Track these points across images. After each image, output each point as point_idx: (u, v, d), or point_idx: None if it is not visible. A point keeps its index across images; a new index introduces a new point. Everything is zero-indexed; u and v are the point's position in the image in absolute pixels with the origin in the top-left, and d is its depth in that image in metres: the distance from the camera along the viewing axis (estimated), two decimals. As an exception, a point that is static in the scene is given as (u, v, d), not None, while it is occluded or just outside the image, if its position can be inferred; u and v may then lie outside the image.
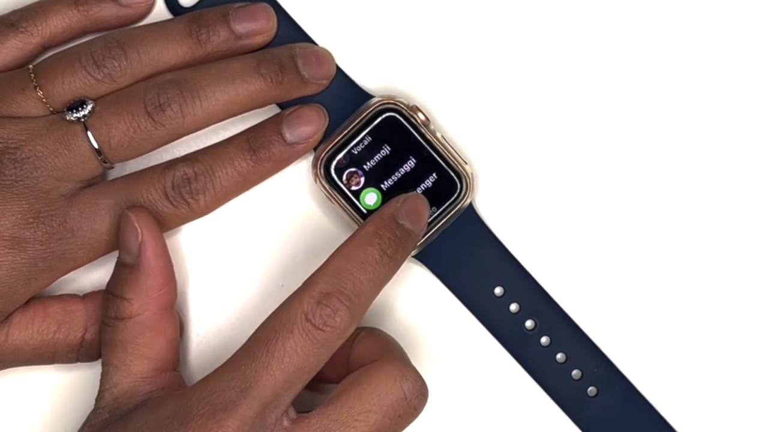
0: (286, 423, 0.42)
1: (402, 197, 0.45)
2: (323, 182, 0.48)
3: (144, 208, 0.45)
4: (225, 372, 0.42)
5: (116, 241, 0.46)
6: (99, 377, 0.44)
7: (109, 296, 0.45)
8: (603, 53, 0.49)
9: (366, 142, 0.48)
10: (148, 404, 0.43)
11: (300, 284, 0.43)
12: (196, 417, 0.41)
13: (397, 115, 0.48)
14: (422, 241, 0.48)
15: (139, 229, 0.44)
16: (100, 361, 0.46)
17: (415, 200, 0.46)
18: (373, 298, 0.43)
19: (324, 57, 0.48)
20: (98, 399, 0.44)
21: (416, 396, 0.43)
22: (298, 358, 0.41)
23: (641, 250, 0.49)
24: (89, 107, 0.45)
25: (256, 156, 0.47)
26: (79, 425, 0.44)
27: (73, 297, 0.47)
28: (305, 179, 0.49)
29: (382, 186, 0.48)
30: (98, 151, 0.45)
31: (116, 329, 0.44)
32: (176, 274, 0.48)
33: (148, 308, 0.44)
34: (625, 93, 0.49)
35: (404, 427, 0.43)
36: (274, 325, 0.42)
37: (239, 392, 0.41)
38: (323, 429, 0.41)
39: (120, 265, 0.45)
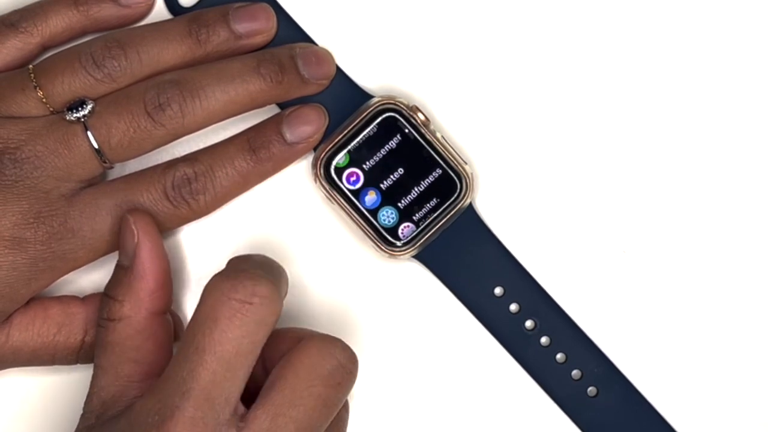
0: (237, 423, 0.41)
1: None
2: (323, 182, 0.48)
3: (144, 211, 0.45)
4: (165, 380, 0.41)
5: (117, 242, 0.45)
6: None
7: (104, 297, 0.45)
8: (603, 54, 0.49)
9: (366, 142, 0.48)
10: (114, 418, 0.42)
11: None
12: (147, 428, 0.40)
13: (397, 115, 0.48)
14: (422, 241, 0.48)
15: (135, 232, 0.44)
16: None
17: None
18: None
19: (324, 57, 0.48)
20: (86, 402, 0.44)
21: (349, 361, 0.42)
22: (230, 343, 0.40)
23: (641, 250, 0.49)
24: (89, 107, 0.45)
25: (256, 156, 0.47)
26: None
27: (74, 299, 0.47)
28: (305, 179, 0.49)
29: (382, 186, 0.48)
30: (98, 151, 0.45)
31: (107, 330, 0.44)
32: (176, 275, 0.48)
33: (138, 311, 0.44)
34: (624, 93, 0.49)
35: (346, 393, 0.42)
36: (197, 320, 0.41)
37: (181, 395, 0.40)
38: (274, 415, 0.41)
39: (118, 267, 0.45)
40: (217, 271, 0.42)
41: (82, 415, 0.43)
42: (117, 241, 0.45)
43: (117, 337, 0.44)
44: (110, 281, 0.45)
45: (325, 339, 0.42)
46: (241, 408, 0.41)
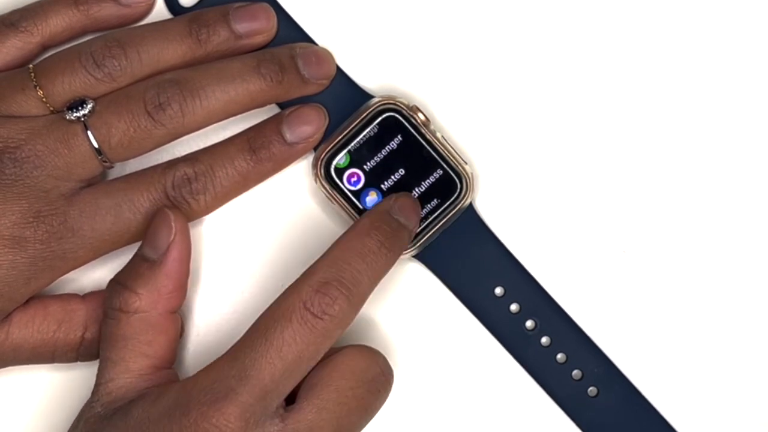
0: (282, 412, 0.42)
1: (394, 196, 0.46)
2: (323, 182, 0.48)
3: (180, 210, 0.45)
4: (224, 362, 0.42)
5: (117, 241, 0.46)
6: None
7: (117, 286, 0.44)
8: (603, 54, 0.49)
9: (366, 142, 0.48)
10: (148, 397, 0.43)
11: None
12: (198, 405, 0.41)
13: (397, 115, 0.48)
14: (422, 241, 0.48)
15: (173, 229, 0.44)
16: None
17: (407, 198, 0.46)
18: (371, 289, 0.44)
19: (324, 57, 0.48)
20: (93, 392, 0.44)
21: (389, 371, 0.44)
22: (296, 346, 0.42)
23: (641, 250, 0.49)
24: (89, 107, 0.45)
25: (256, 156, 0.47)
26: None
27: (74, 296, 0.47)
28: (305, 179, 0.49)
29: (383, 186, 0.48)
30: (98, 151, 0.45)
31: (119, 322, 0.44)
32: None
33: (155, 307, 0.44)
34: (624, 93, 0.49)
35: (383, 401, 0.44)
36: (273, 314, 0.42)
37: (239, 380, 0.41)
38: (319, 409, 0.42)
39: (139, 258, 0.44)
40: (305, 267, 0.43)
41: (87, 404, 0.44)
42: (117, 240, 0.46)
43: (130, 330, 0.44)
44: (127, 271, 0.44)
45: (371, 349, 0.44)
46: (283, 405, 0.42)
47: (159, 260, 0.44)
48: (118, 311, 0.44)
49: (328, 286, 0.42)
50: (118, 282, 0.44)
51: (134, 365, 0.44)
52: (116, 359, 0.44)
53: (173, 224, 0.44)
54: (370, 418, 0.44)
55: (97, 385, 0.44)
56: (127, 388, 0.43)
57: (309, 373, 0.43)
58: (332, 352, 0.44)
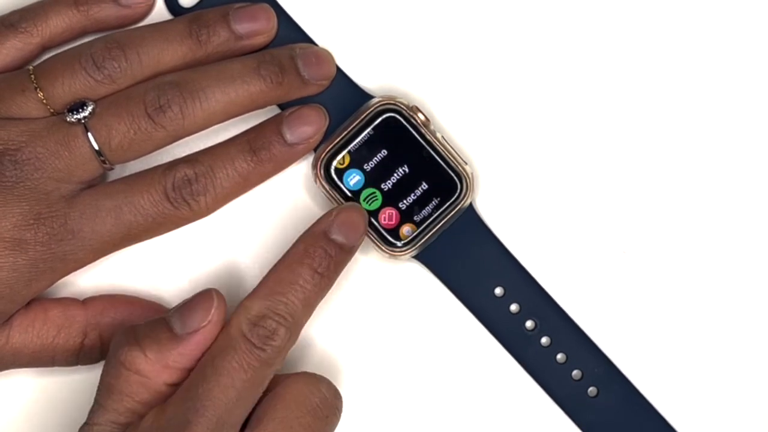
0: None
1: (336, 209, 0.46)
2: (323, 182, 0.48)
3: (223, 299, 0.44)
4: (178, 398, 0.42)
5: (118, 243, 0.46)
6: (97, 379, 0.44)
7: (129, 338, 0.43)
8: (603, 54, 0.49)
9: (366, 143, 0.48)
10: None
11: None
12: None
13: (397, 116, 0.48)
14: (422, 241, 0.48)
15: (210, 316, 0.43)
16: (99, 363, 0.46)
17: (349, 212, 0.46)
18: (308, 315, 0.44)
19: (324, 57, 0.48)
20: (80, 429, 0.43)
21: (334, 396, 0.44)
22: (245, 373, 0.42)
23: (641, 250, 0.49)
24: (89, 109, 0.45)
25: (256, 157, 0.47)
26: (76, 427, 0.44)
27: (74, 302, 0.47)
28: (306, 180, 0.49)
29: (383, 186, 0.48)
30: (99, 153, 0.45)
31: (119, 376, 0.43)
32: (174, 274, 0.49)
33: (159, 376, 0.43)
34: (624, 94, 0.49)
35: (334, 426, 0.44)
36: (219, 345, 0.43)
37: (194, 412, 0.41)
38: None
39: (165, 322, 0.43)
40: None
41: None
42: (118, 242, 0.46)
43: (126, 387, 0.43)
44: (147, 328, 0.43)
45: (312, 375, 0.44)
46: None
47: (182, 337, 0.43)
48: (120, 364, 0.43)
49: (265, 319, 0.43)
50: (134, 334, 0.43)
51: (123, 419, 0.43)
52: (107, 408, 0.43)
53: (212, 311, 0.43)
54: None
55: (87, 423, 0.43)
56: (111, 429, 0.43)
57: (254, 407, 0.43)
58: (274, 384, 0.44)
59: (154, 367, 0.42)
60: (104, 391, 0.43)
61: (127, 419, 0.42)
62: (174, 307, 0.44)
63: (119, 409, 0.42)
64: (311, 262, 0.44)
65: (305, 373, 0.44)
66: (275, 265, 0.44)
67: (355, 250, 0.46)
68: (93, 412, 0.43)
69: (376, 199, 0.48)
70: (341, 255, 0.45)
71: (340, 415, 0.44)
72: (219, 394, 0.41)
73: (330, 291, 0.47)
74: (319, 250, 0.44)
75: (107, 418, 0.43)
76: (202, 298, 0.43)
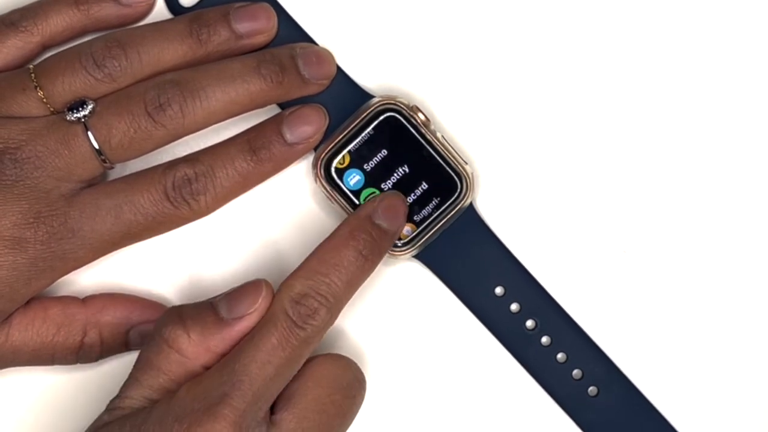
0: (268, 421, 0.42)
1: (379, 196, 0.46)
2: (323, 182, 0.48)
3: (272, 290, 0.44)
4: (215, 371, 0.42)
5: (117, 242, 0.46)
6: (98, 379, 0.44)
7: (175, 317, 0.43)
8: (603, 54, 0.49)
9: (366, 142, 0.48)
10: (144, 410, 0.42)
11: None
12: (190, 413, 0.41)
13: (397, 115, 0.48)
14: (422, 241, 0.48)
15: (258, 305, 0.43)
16: (99, 362, 0.46)
17: (392, 198, 0.46)
18: (350, 297, 0.44)
19: (324, 57, 0.48)
20: (111, 400, 0.43)
21: (362, 376, 0.45)
22: (283, 351, 0.42)
23: (641, 250, 0.49)
24: (89, 107, 0.45)
25: (256, 156, 0.47)
26: (79, 426, 0.44)
27: (74, 300, 0.47)
28: (306, 179, 0.49)
29: (383, 186, 0.48)
30: (99, 152, 0.45)
31: (159, 352, 0.43)
32: (174, 274, 0.49)
33: (198, 358, 0.43)
34: (625, 93, 0.49)
35: (359, 407, 0.45)
36: (259, 324, 0.43)
37: (231, 386, 0.41)
38: (300, 418, 0.43)
39: (212, 306, 0.44)
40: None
41: (104, 413, 0.43)
42: (117, 241, 0.46)
43: (166, 365, 0.43)
44: (193, 309, 0.44)
45: (342, 357, 0.45)
46: (269, 414, 0.43)
47: (227, 322, 0.43)
48: (163, 341, 0.43)
49: (307, 297, 0.43)
50: (179, 314, 0.44)
51: (156, 395, 0.43)
52: (143, 383, 0.43)
53: (260, 300, 0.43)
54: (350, 423, 0.45)
55: (119, 396, 0.43)
56: (140, 407, 0.43)
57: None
58: (305, 363, 0.44)
59: (196, 349, 0.43)
60: (142, 365, 0.43)
61: (159, 396, 0.43)
62: (222, 293, 0.44)
63: (153, 385, 0.43)
64: (356, 244, 0.44)
65: (335, 354, 0.45)
66: (318, 247, 0.45)
67: (396, 236, 0.47)
68: (127, 385, 0.43)
69: (376, 199, 0.48)
70: (384, 239, 0.45)
71: (364, 395, 0.45)
72: (256, 369, 0.42)
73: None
74: (364, 233, 0.45)
75: (140, 393, 0.43)
76: (251, 286, 0.44)
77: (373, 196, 0.47)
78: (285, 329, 0.43)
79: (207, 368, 0.43)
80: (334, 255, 0.44)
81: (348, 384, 0.44)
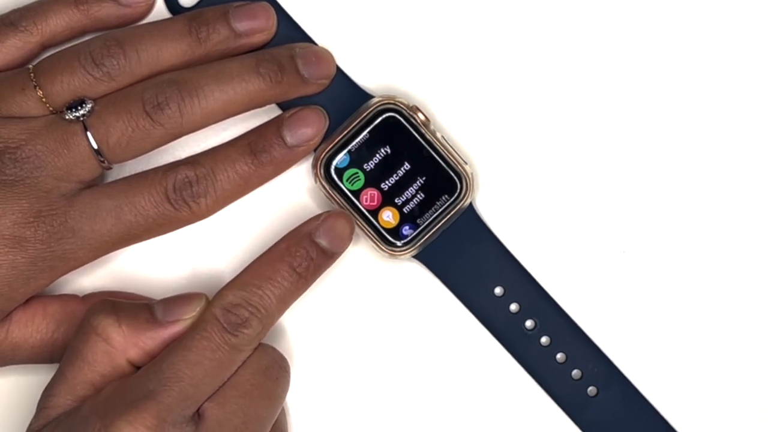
0: (196, 420, 0.42)
1: (324, 214, 0.46)
2: (323, 182, 0.48)
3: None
4: (143, 371, 0.43)
5: (117, 242, 0.46)
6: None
7: (108, 306, 0.44)
8: (603, 54, 0.49)
9: (366, 143, 0.48)
10: (72, 410, 0.42)
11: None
12: (114, 408, 0.41)
13: (397, 115, 0.48)
14: (422, 241, 0.48)
15: (194, 312, 0.44)
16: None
17: (337, 219, 0.46)
18: (283, 311, 0.45)
19: (324, 57, 0.48)
20: (39, 400, 0.43)
21: (282, 359, 0.45)
22: (213, 353, 0.43)
23: (641, 250, 0.49)
24: (88, 107, 0.45)
25: (257, 159, 0.47)
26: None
27: (73, 297, 0.47)
28: (306, 180, 0.49)
29: (382, 186, 0.48)
30: (97, 151, 0.45)
31: (87, 341, 0.43)
32: (174, 274, 0.49)
33: (125, 351, 0.43)
34: (624, 94, 0.49)
35: (285, 389, 0.45)
36: (189, 328, 0.43)
37: (157, 382, 0.42)
38: (223, 404, 0.43)
39: (148, 306, 0.44)
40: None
41: (36, 414, 0.43)
42: (117, 242, 0.45)
43: (90, 354, 0.43)
44: (126, 305, 0.44)
45: (259, 343, 0.45)
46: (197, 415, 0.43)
47: (160, 323, 0.44)
48: (92, 329, 0.43)
49: (238, 307, 0.43)
50: (113, 306, 0.44)
51: (81, 391, 0.43)
52: (68, 377, 0.43)
53: (197, 309, 0.44)
54: (279, 405, 0.45)
55: (46, 393, 0.43)
56: (63, 409, 0.43)
57: None
58: None
59: (124, 341, 0.43)
60: (68, 356, 0.43)
61: (85, 391, 0.43)
62: (161, 299, 0.45)
63: (78, 379, 0.43)
64: (291, 260, 0.45)
65: None
66: (255, 260, 0.45)
67: (337, 257, 0.46)
68: (54, 381, 0.44)
69: (376, 199, 0.48)
70: (322, 259, 0.45)
71: (289, 378, 0.45)
72: (185, 368, 0.42)
73: (330, 290, 0.47)
74: (301, 250, 0.45)
75: (66, 389, 0.43)
76: (190, 296, 0.45)
77: (318, 214, 0.46)
78: (215, 333, 0.43)
79: (133, 365, 0.43)
80: (268, 268, 0.44)
81: (267, 366, 0.44)
